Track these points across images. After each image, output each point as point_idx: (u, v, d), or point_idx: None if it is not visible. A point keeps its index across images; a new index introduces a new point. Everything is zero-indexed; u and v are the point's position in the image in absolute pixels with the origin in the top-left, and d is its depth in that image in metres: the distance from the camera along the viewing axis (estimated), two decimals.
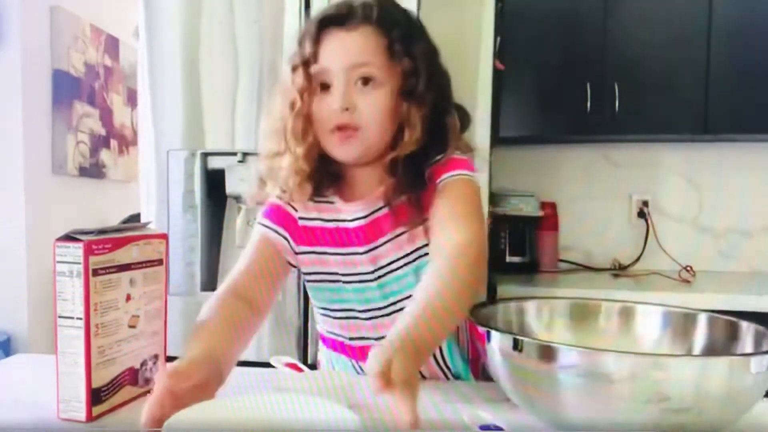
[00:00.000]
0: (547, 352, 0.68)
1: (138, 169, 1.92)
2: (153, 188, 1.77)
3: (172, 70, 1.74)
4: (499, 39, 1.83)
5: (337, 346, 1.04)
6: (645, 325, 0.90)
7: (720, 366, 0.66)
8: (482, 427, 0.73)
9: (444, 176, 0.92)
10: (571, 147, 2.40)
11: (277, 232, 0.97)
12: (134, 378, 0.84)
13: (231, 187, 1.73)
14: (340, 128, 0.90)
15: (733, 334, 0.82)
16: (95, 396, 0.77)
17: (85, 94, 2.32)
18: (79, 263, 0.74)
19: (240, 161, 1.73)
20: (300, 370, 0.91)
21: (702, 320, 0.86)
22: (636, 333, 0.90)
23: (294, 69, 0.91)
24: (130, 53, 2.56)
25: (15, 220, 2.04)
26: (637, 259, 2.30)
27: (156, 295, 0.87)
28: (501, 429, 0.72)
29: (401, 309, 0.90)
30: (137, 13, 1.75)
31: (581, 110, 2.08)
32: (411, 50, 0.91)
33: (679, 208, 2.34)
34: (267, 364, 0.94)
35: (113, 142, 2.52)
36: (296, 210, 0.98)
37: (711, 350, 0.84)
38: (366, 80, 0.89)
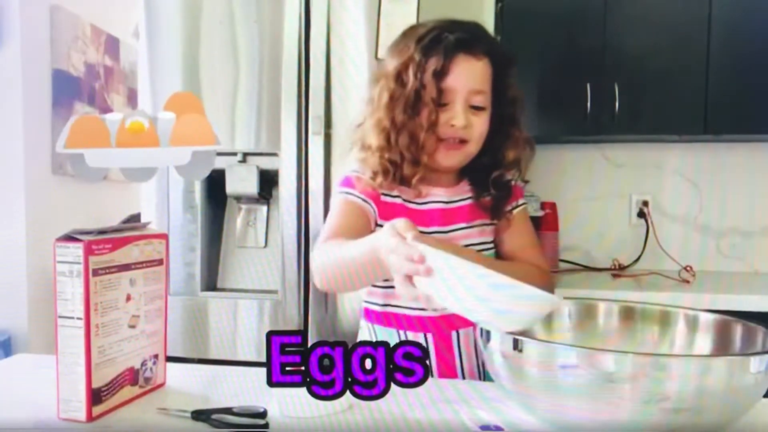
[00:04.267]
0: (547, 352, 0.68)
1: None
2: (153, 188, 1.77)
3: (172, 70, 1.74)
4: (499, 39, 1.84)
5: (380, 318, 1.10)
6: (645, 325, 0.90)
7: (720, 366, 0.66)
8: (482, 427, 0.73)
9: (519, 201, 1.13)
10: (571, 147, 2.39)
11: (366, 201, 1.06)
12: (134, 378, 0.84)
13: (231, 187, 1.73)
14: (450, 140, 1.03)
15: (734, 334, 0.83)
16: (95, 396, 0.76)
17: (85, 94, 2.32)
18: (79, 263, 0.74)
19: (240, 161, 1.73)
20: None
21: (702, 320, 0.86)
22: (636, 333, 0.90)
23: (420, 77, 1.00)
24: (130, 53, 2.56)
25: (15, 220, 2.03)
26: (637, 259, 2.30)
27: (156, 295, 0.87)
28: (501, 429, 0.72)
29: None
30: (137, 13, 1.75)
31: (581, 110, 2.07)
32: (514, 83, 1.08)
33: (679, 208, 2.34)
34: None
35: None
36: (381, 186, 1.07)
37: (711, 350, 0.84)
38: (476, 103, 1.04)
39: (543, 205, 2.26)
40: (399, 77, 1.02)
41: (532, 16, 2.10)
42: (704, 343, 0.84)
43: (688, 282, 1.98)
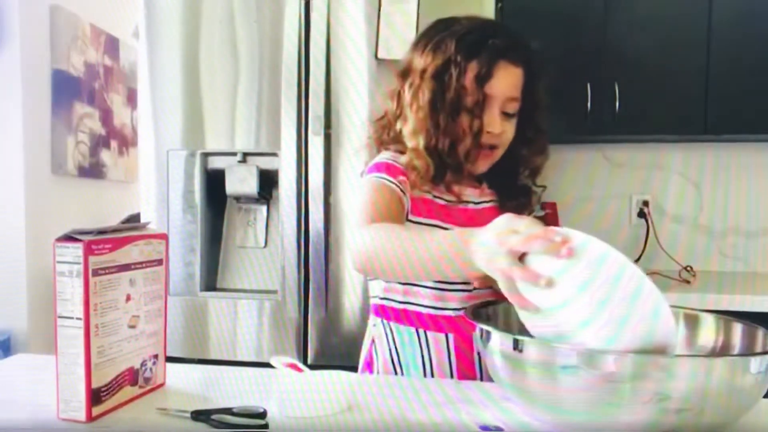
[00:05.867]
0: (547, 352, 0.68)
1: (138, 169, 1.92)
2: (153, 188, 1.77)
3: (172, 70, 1.74)
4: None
5: (398, 316, 1.07)
6: None
7: (720, 366, 0.66)
8: (482, 427, 0.73)
9: (535, 207, 1.14)
10: (571, 147, 2.39)
11: (404, 193, 1.01)
12: (134, 378, 0.84)
13: (231, 187, 1.73)
14: (484, 146, 1.02)
15: (734, 335, 0.82)
16: (95, 396, 0.76)
17: (85, 94, 2.32)
18: (79, 263, 0.74)
19: (240, 161, 1.73)
20: (300, 370, 0.91)
21: (702, 320, 0.86)
22: None
23: (461, 79, 0.99)
24: (130, 53, 2.56)
25: (15, 220, 2.03)
26: (637, 259, 2.30)
27: (156, 295, 0.87)
28: (501, 429, 0.72)
29: (469, 291, 1.04)
30: (137, 13, 1.75)
31: (581, 110, 2.07)
32: (542, 90, 1.08)
33: (680, 208, 2.34)
34: (267, 364, 0.94)
35: (113, 142, 2.51)
36: (421, 186, 1.05)
37: (711, 350, 0.84)
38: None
39: (543, 205, 2.26)
40: (439, 77, 0.99)
41: (532, 16, 2.10)
42: (704, 343, 0.84)
43: (688, 282, 1.98)
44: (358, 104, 1.66)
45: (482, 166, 1.06)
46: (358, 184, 1.06)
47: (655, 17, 2.06)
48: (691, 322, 0.87)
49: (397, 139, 1.06)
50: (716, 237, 2.32)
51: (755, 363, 0.65)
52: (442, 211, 1.05)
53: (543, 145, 1.09)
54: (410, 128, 1.02)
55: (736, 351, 0.81)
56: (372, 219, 0.92)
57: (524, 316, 0.72)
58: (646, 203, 2.34)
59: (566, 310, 0.65)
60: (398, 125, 1.05)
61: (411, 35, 1.60)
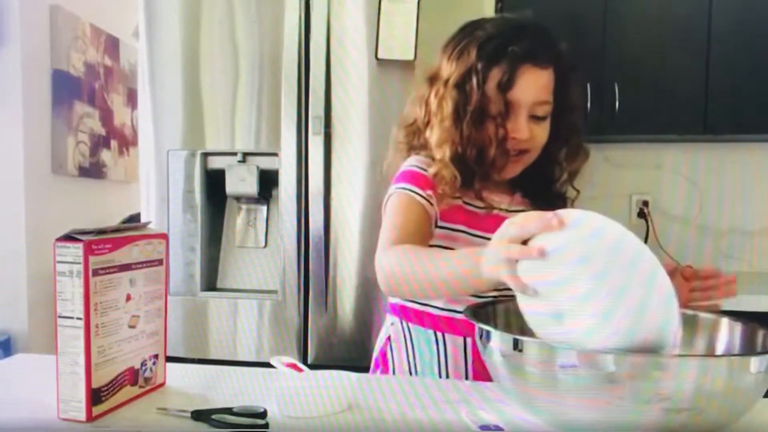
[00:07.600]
0: (547, 352, 0.68)
1: (138, 169, 1.92)
2: (153, 188, 1.77)
3: (172, 70, 1.74)
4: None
5: (417, 318, 1.07)
6: None
7: (720, 366, 0.66)
8: (482, 427, 0.73)
9: None
10: None
11: (430, 202, 1.00)
12: (134, 378, 0.84)
13: (231, 187, 1.74)
14: (511, 151, 1.00)
15: (734, 334, 0.83)
16: (95, 396, 0.76)
17: (85, 94, 2.32)
18: (79, 263, 0.74)
19: (240, 161, 1.73)
20: (300, 370, 0.91)
21: (702, 320, 0.86)
22: None
23: (483, 87, 0.97)
24: (130, 53, 2.56)
25: (15, 220, 2.03)
26: None
27: (156, 295, 0.87)
28: (501, 429, 0.72)
29: (494, 296, 0.98)
30: (137, 13, 1.75)
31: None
32: (575, 89, 1.05)
33: (679, 208, 2.34)
34: (267, 364, 0.94)
35: (113, 142, 2.51)
36: (451, 194, 1.04)
37: (711, 350, 0.84)
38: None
39: None
40: (461, 86, 0.98)
41: (531, 15, 2.10)
42: (704, 343, 0.84)
43: None
44: (358, 104, 1.66)
45: (511, 172, 1.04)
46: (388, 194, 1.04)
47: (655, 17, 2.06)
48: (691, 322, 0.87)
49: (427, 145, 1.04)
50: (716, 237, 2.32)
51: (755, 363, 0.65)
52: (472, 218, 1.03)
53: (580, 146, 1.06)
54: (436, 139, 1.01)
55: (736, 351, 0.81)
56: (397, 240, 0.93)
57: (522, 301, 0.72)
58: (646, 203, 2.34)
59: (566, 288, 0.66)
60: (426, 133, 1.04)
61: (411, 35, 1.60)
